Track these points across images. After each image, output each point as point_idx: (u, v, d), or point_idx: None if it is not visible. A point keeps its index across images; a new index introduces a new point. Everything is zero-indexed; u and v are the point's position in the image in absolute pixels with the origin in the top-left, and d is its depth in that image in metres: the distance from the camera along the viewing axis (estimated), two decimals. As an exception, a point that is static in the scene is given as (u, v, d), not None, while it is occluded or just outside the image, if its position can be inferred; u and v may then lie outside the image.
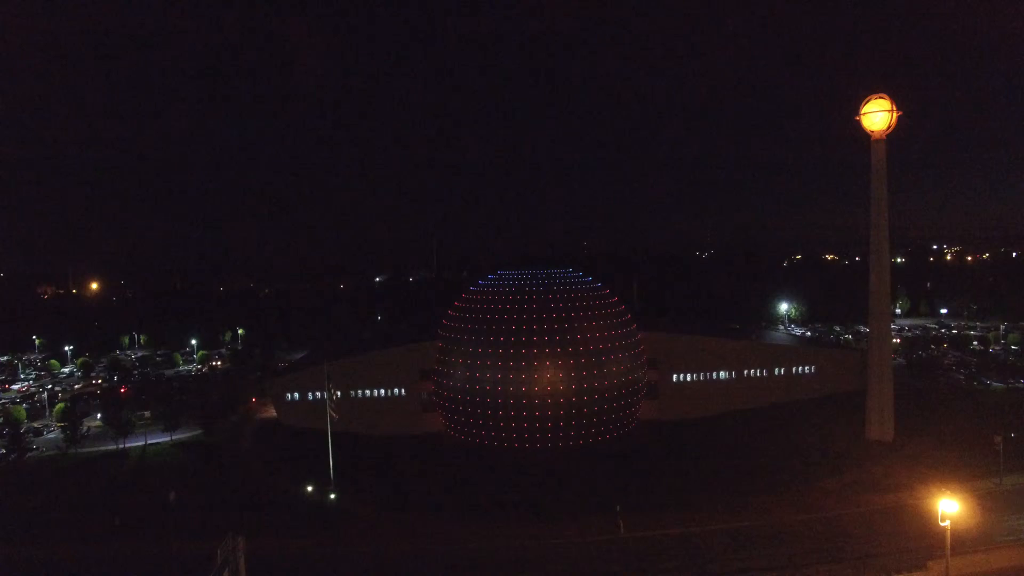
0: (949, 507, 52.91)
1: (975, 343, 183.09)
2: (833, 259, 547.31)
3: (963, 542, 67.15)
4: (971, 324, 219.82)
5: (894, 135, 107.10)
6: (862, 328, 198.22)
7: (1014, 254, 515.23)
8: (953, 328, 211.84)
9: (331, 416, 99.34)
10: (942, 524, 52.44)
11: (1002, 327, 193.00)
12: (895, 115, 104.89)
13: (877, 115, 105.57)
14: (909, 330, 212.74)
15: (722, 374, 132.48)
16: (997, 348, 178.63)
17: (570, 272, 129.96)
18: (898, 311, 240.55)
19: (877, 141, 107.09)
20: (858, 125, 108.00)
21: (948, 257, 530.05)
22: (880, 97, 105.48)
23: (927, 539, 70.02)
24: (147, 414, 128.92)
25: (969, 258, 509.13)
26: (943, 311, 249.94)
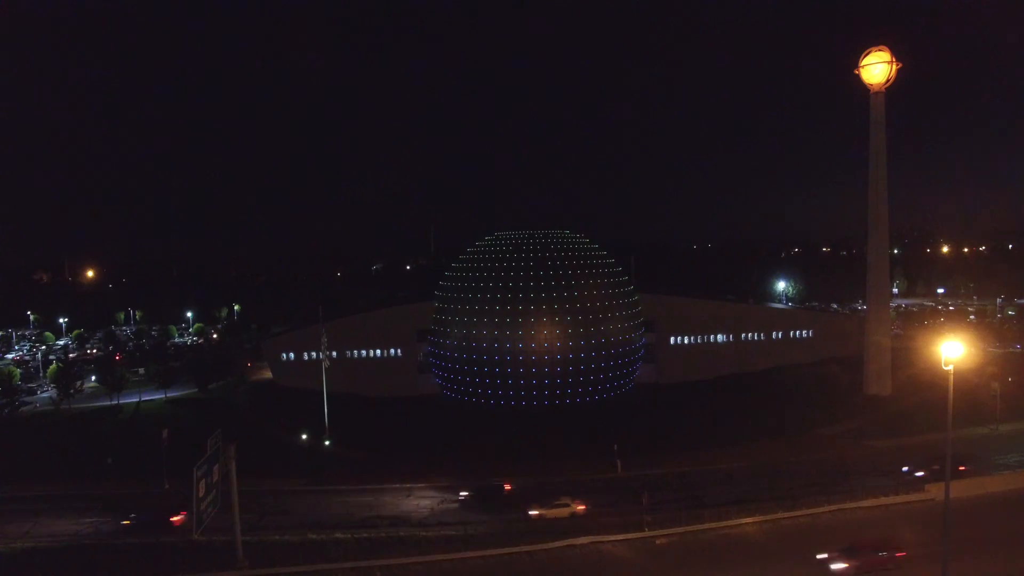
0: (952, 351, 47.92)
1: (972, 317, 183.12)
2: (828, 251, 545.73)
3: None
4: (968, 302, 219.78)
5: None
6: (859, 305, 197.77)
7: (1010, 246, 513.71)
8: (950, 305, 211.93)
9: (325, 365, 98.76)
10: (945, 368, 48.61)
11: (999, 300, 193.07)
12: (894, 67, 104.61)
13: (876, 67, 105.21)
14: (906, 307, 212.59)
15: (720, 337, 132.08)
16: (993, 321, 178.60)
17: (567, 233, 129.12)
18: (895, 291, 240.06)
19: (876, 94, 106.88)
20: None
21: (945, 249, 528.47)
22: (880, 49, 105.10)
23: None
24: (141, 371, 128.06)
25: (966, 250, 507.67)
26: (940, 291, 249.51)
